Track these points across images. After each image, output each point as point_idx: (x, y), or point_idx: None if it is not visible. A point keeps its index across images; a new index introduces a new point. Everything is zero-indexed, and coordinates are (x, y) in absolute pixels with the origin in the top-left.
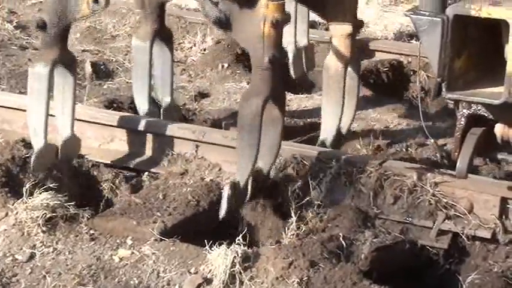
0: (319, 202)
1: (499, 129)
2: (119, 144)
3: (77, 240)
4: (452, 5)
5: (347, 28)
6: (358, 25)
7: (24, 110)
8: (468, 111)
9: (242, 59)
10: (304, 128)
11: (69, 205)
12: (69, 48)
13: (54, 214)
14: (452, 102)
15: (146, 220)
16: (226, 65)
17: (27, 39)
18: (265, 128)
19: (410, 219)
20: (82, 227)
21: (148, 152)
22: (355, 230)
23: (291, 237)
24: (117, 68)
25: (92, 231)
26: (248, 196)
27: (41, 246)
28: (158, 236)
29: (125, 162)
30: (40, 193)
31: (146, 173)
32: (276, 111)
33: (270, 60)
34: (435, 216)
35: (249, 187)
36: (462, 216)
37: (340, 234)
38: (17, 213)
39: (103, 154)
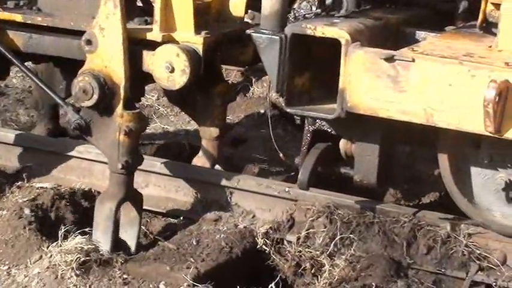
0: (352, 251)
1: (343, 144)
2: (153, 189)
3: (110, 285)
4: (290, 24)
5: (214, 131)
6: (225, 129)
7: None
8: (313, 127)
9: None
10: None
11: (102, 249)
12: None
13: (88, 258)
14: (299, 118)
15: (179, 266)
16: None
17: None
18: (124, 228)
19: (443, 270)
20: (115, 271)
21: (183, 197)
22: (388, 279)
23: (324, 285)
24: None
25: (125, 276)
26: None
27: None
28: (191, 282)
29: (158, 207)
30: (74, 237)
31: (180, 218)
32: (134, 212)
33: (123, 166)
34: (468, 268)
35: None
36: (495, 267)
37: (373, 283)
38: (51, 256)
39: None
